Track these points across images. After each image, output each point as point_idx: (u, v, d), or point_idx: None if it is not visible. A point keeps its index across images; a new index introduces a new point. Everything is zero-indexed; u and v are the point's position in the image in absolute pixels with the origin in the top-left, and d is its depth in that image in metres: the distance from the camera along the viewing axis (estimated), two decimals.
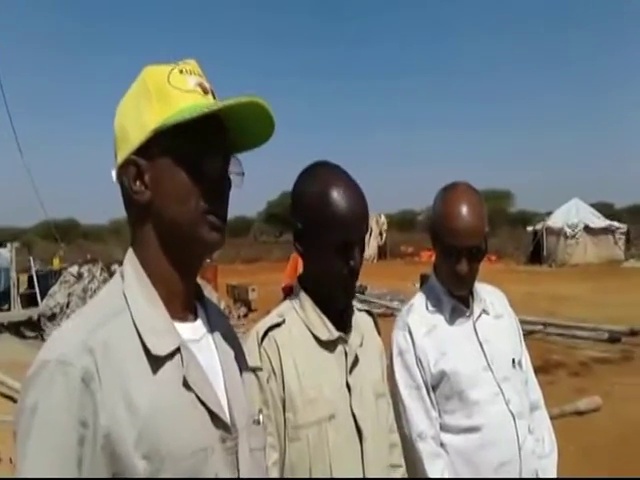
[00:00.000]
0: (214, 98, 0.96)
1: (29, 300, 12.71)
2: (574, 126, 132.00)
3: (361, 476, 1.28)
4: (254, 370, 1.23)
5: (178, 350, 0.88)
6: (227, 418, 0.93)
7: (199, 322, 0.99)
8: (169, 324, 0.90)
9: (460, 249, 1.61)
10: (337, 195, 1.28)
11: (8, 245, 13.10)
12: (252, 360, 1.23)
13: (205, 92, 0.94)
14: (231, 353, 1.04)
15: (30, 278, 13.16)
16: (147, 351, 0.84)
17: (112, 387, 0.79)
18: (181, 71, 0.93)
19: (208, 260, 14.76)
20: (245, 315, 12.94)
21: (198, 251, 0.97)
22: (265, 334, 1.29)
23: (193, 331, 0.96)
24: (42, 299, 12.11)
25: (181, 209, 0.90)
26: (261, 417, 1.06)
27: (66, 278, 12.34)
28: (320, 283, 1.35)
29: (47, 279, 13.02)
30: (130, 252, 0.94)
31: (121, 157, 0.92)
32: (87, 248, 26.04)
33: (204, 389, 0.90)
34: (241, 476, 0.93)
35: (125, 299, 0.88)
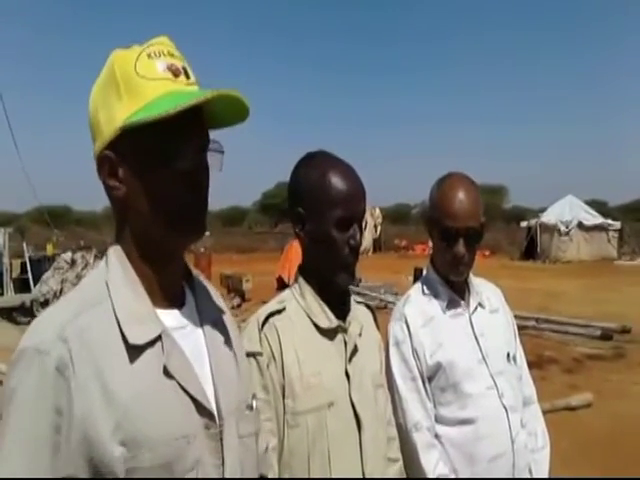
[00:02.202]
0: (187, 78, 0.91)
1: (22, 285, 12.69)
2: (570, 123, 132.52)
3: (359, 464, 1.29)
4: (254, 355, 1.23)
5: (159, 338, 0.86)
6: (211, 405, 0.92)
7: (185, 309, 0.97)
8: (151, 312, 0.89)
9: (457, 230, 1.63)
10: (336, 175, 1.33)
11: (1, 230, 13.03)
12: (252, 345, 1.24)
13: (176, 74, 0.89)
14: (220, 338, 1.02)
15: (23, 264, 13.11)
16: (126, 340, 0.83)
17: (87, 375, 0.79)
18: (149, 55, 0.88)
19: (202, 249, 14.74)
20: (239, 305, 12.88)
21: (176, 245, 0.96)
22: (266, 320, 1.29)
23: (178, 318, 0.95)
24: (35, 285, 12.09)
25: (157, 205, 0.89)
26: (254, 403, 1.05)
27: (59, 264, 12.30)
28: (322, 265, 1.35)
29: (40, 265, 12.98)
30: (115, 242, 0.94)
31: (97, 148, 0.90)
32: (80, 235, 25.92)
33: (186, 377, 0.89)
34: (226, 462, 0.92)
35: (107, 288, 0.87)
